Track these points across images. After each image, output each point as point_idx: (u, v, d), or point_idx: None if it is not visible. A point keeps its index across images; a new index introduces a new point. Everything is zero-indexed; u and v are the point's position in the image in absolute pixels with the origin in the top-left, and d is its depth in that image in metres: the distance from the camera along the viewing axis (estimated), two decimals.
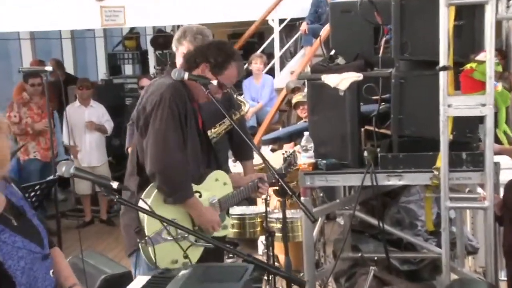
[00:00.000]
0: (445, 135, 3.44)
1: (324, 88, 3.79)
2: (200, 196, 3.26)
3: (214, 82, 3.19)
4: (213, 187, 3.35)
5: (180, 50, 3.69)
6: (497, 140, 3.60)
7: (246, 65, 8.12)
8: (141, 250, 3.12)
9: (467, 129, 3.63)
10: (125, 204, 2.44)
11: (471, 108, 3.41)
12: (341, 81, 3.71)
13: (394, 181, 3.76)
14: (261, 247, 5.08)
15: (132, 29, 12.46)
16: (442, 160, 3.47)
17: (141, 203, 2.85)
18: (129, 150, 4.04)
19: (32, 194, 4.42)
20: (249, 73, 8.36)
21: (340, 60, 3.91)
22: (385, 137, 3.87)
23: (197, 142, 3.28)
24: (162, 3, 8.85)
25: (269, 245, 4.00)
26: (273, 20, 9.37)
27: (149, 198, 3.08)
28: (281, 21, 9.51)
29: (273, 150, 6.35)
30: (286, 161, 3.68)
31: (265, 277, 4.09)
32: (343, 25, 4.11)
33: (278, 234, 4.22)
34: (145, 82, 6.82)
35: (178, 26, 6.89)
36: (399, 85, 3.67)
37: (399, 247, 4.42)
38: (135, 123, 3.28)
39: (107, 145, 8.01)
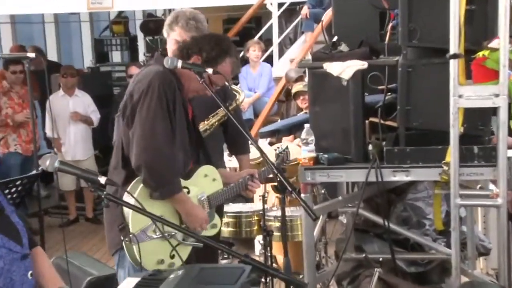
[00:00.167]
0: (455, 128, 3.44)
1: (326, 77, 3.79)
2: (188, 192, 3.27)
3: (210, 70, 3.15)
4: (202, 183, 3.35)
5: (172, 36, 3.68)
6: (510, 133, 3.60)
7: (242, 52, 8.10)
8: (125, 249, 3.10)
9: (479, 121, 3.63)
10: (113, 200, 2.44)
11: (483, 98, 3.42)
12: (344, 69, 3.71)
13: (400, 177, 3.75)
14: (258, 247, 5.09)
15: (120, 13, 12.42)
16: (452, 154, 3.47)
17: (126, 197, 2.84)
18: None
19: (13, 190, 4.43)
20: (245, 61, 8.33)
21: (343, 47, 3.91)
22: (391, 129, 3.87)
23: (186, 134, 3.27)
24: None
25: (267, 245, 4.02)
26: (271, 3, 9.31)
27: (134, 193, 3.06)
28: (280, 5, 9.43)
29: (271, 144, 6.35)
30: (279, 158, 3.66)
31: (263, 280, 4.10)
32: (346, 9, 4.12)
33: (276, 233, 4.24)
34: (134, 70, 6.82)
35: (170, 10, 6.89)
36: (406, 74, 3.67)
37: (405, 248, 4.42)
38: (121, 113, 3.27)
39: (93, 138, 7.99)
